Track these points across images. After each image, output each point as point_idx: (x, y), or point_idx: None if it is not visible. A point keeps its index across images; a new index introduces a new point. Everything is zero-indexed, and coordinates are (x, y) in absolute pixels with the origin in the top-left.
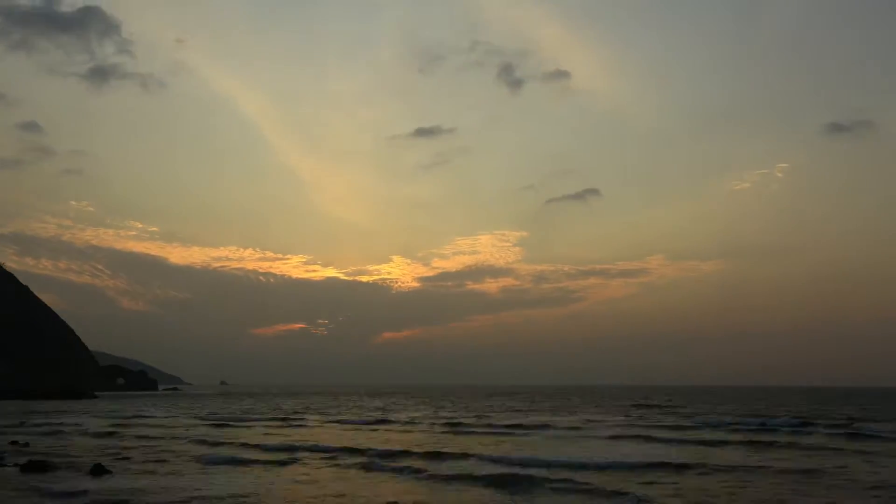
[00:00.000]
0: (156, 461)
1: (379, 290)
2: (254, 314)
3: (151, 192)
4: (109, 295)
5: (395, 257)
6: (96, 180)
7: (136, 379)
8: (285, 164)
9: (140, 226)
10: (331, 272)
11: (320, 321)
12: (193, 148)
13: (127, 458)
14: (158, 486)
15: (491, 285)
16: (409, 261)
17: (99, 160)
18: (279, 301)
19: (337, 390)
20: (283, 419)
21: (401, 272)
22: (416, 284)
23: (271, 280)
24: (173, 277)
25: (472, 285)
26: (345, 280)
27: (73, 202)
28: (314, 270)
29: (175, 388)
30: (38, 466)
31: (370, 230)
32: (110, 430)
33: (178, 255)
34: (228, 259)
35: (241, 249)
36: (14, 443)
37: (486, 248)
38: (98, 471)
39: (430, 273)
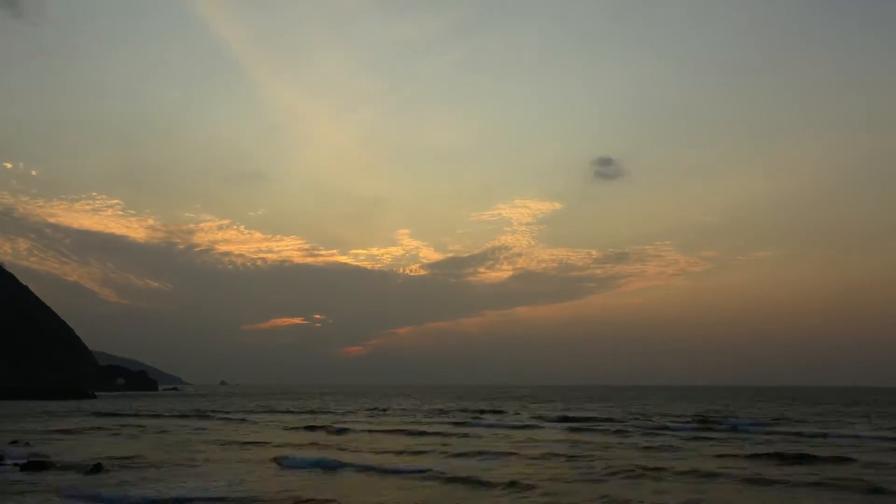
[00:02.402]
0: None
1: (385, 278)
2: (246, 307)
3: (107, 154)
4: (86, 285)
5: (403, 236)
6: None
7: (136, 379)
8: (277, 115)
9: (99, 197)
10: (332, 256)
11: (318, 316)
12: (160, 87)
13: None
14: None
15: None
16: (419, 243)
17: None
18: (274, 291)
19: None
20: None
21: (410, 255)
22: (424, 272)
23: (261, 265)
24: (151, 264)
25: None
26: (347, 265)
27: (8, 164)
28: (313, 255)
29: (175, 388)
30: (37, 466)
31: (376, 200)
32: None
33: (150, 235)
34: (213, 241)
35: (225, 229)
36: (14, 442)
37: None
38: (96, 470)
39: (441, 257)
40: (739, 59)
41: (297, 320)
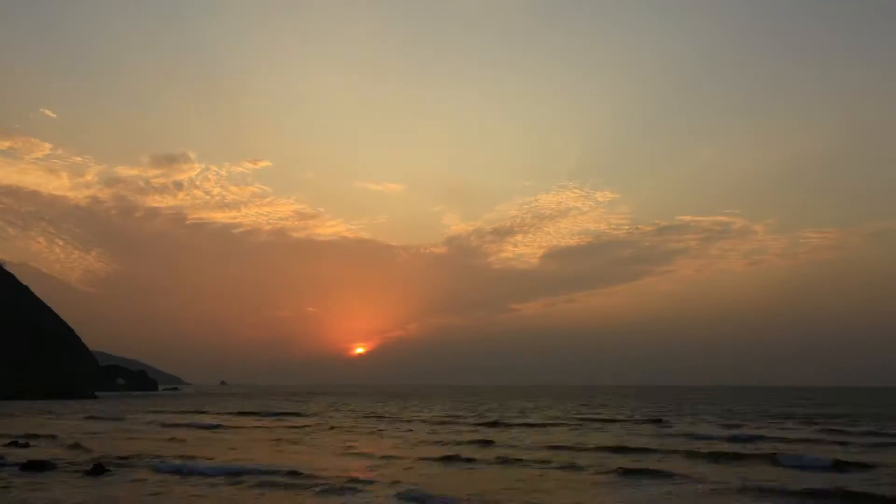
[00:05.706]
0: None
1: (395, 257)
2: (240, 299)
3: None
4: (46, 271)
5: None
6: None
7: (136, 379)
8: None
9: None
10: (338, 226)
11: (312, 309)
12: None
13: None
14: None
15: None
16: (441, 207)
17: None
18: (264, 278)
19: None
20: None
21: (433, 231)
22: (443, 250)
23: (244, 241)
24: (111, 233)
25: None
26: (354, 240)
27: None
28: (313, 225)
29: (175, 388)
30: (37, 466)
31: (386, 151)
32: None
33: (92, 196)
34: (184, 204)
35: (195, 188)
36: (14, 443)
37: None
38: (97, 471)
39: (468, 228)
40: None
41: (291, 314)
